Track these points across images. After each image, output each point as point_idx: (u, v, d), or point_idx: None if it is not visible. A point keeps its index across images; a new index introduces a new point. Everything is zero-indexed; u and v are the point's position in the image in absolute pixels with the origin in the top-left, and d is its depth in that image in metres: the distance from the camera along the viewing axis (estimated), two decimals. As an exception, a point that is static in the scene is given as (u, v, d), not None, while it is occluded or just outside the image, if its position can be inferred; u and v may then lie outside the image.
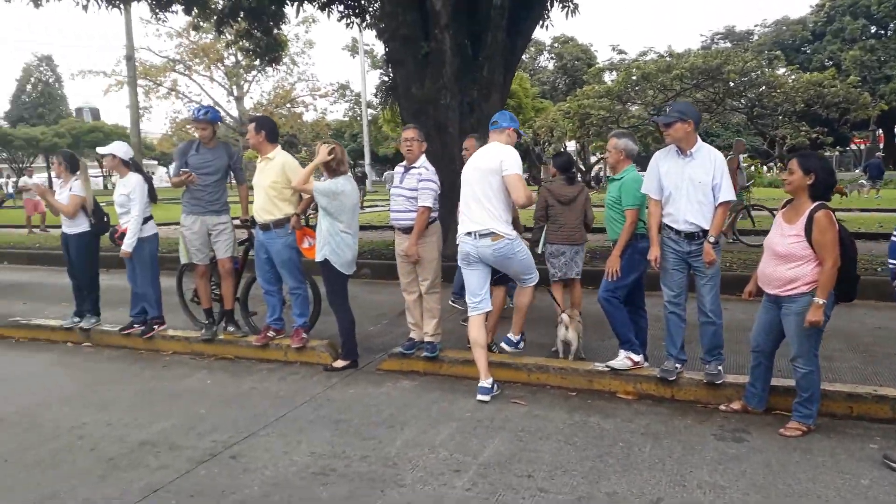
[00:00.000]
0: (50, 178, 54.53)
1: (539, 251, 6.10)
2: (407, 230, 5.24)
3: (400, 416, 4.47)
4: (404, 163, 5.44)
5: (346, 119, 42.35)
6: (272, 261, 5.72)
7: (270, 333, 5.85)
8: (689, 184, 4.46)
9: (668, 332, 4.73)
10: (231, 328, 6.16)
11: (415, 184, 5.16)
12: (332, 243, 5.27)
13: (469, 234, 4.75)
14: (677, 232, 4.54)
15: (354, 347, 5.54)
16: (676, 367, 4.67)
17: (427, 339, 5.34)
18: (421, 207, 5.12)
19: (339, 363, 5.46)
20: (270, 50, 14.51)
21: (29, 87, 60.36)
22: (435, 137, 8.63)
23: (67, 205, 6.29)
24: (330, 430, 4.28)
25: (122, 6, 12.48)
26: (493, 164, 4.67)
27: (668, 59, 22.59)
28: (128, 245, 6.00)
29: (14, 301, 8.48)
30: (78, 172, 6.44)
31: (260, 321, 6.27)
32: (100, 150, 6.35)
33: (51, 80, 61.47)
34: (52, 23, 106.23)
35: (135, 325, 6.34)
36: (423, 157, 5.31)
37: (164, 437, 4.25)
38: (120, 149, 6.16)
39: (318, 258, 5.33)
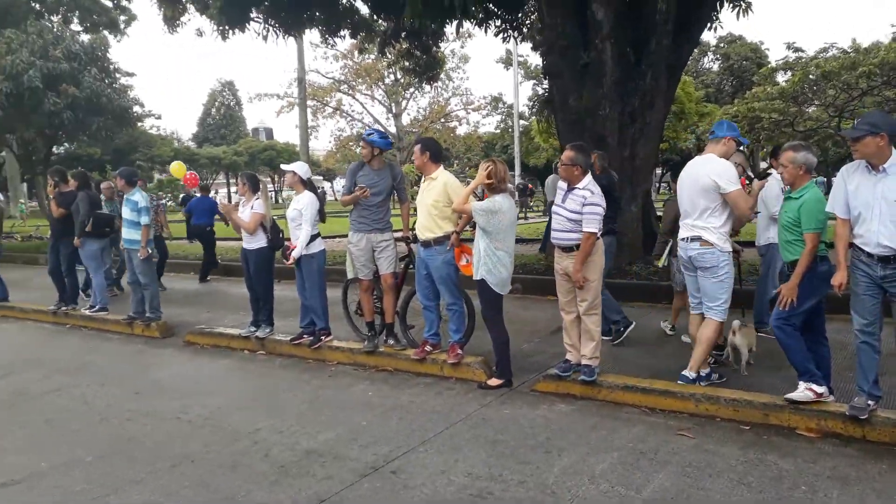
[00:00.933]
0: (229, 193, 60.14)
1: (662, 265, 6.43)
2: (567, 249, 5.13)
3: (557, 441, 4.36)
4: (560, 175, 5.33)
5: (498, 131, 42.74)
6: (431, 277, 5.86)
7: (428, 348, 5.97)
8: (882, 203, 3.98)
9: (859, 364, 4.23)
10: (391, 341, 6.36)
11: (578, 206, 5.02)
12: (488, 262, 5.28)
13: (684, 238, 4.97)
14: (869, 255, 4.06)
15: (509, 366, 5.50)
16: (869, 404, 4.16)
17: (584, 361, 5.17)
18: (586, 233, 4.98)
19: (494, 381, 5.44)
20: (429, 68, 15.04)
21: (213, 110, 67.06)
22: (592, 149, 8.45)
23: (249, 222, 6.84)
24: (486, 450, 4.26)
25: (296, 34, 13.44)
26: (706, 182, 4.74)
27: (852, 54, 20.50)
28: (295, 253, 6.44)
29: (200, 309, 9.35)
30: (258, 192, 7.00)
31: (417, 334, 6.43)
32: (283, 166, 6.90)
33: (232, 104, 67.88)
34: (235, 50, 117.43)
35: (304, 336, 6.75)
36: (588, 178, 5.15)
37: (330, 447, 4.45)
38: (301, 168, 6.66)
39: (475, 276, 5.37)
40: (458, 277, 5.87)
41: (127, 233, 7.95)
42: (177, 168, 19.47)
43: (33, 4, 23.95)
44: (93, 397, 5.77)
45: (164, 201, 13.56)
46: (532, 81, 36.42)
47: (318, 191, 6.87)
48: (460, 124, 38.58)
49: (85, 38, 19.98)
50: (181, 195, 15.52)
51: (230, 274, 12.24)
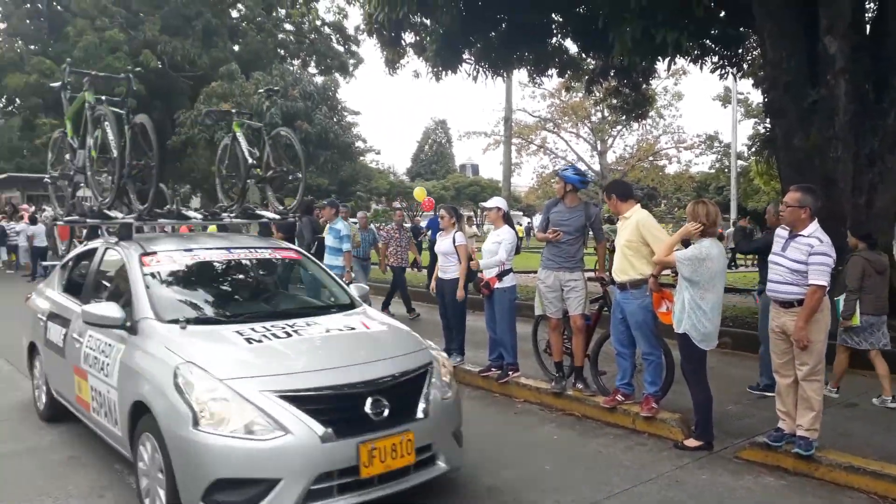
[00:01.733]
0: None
1: (856, 324, 6.05)
2: (786, 304, 4.59)
3: (763, 520, 3.86)
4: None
5: (713, 171, 40.33)
6: (627, 322, 5.57)
7: (619, 397, 5.65)
8: None
9: None
10: (579, 385, 6.13)
11: (803, 256, 4.47)
12: (692, 316, 4.88)
13: None
14: None
15: (710, 427, 5.02)
16: None
17: (800, 433, 4.55)
18: (813, 286, 4.41)
19: (692, 442, 4.98)
20: (638, 105, 14.62)
21: (426, 147, 71.14)
22: (820, 193, 7.59)
23: (463, 253, 7.11)
24: (678, 517, 3.89)
25: (504, 74, 13.81)
26: None
27: None
28: (484, 266, 6.60)
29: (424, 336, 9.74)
30: (458, 224, 7.25)
31: (609, 381, 6.12)
32: (484, 203, 7.08)
33: (443, 141, 71.54)
34: (447, 91, 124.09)
35: (492, 369, 6.75)
36: (815, 224, 4.59)
37: (510, 486, 4.35)
38: (503, 203, 6.85)
39: (677, 329, 4.98)
40: (657, 325, 5.50)
41: (329, 259, 8.63)
42: (418, 192, 21.69)
43: (279, 51, 27.41)
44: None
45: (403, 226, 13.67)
46: (753, 120, 34.04)
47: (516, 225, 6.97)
48: (670, 163, 37.01)
49: (319, 79, 22.31)
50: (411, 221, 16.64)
51: (425, 300, 12.68)
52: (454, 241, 7.14)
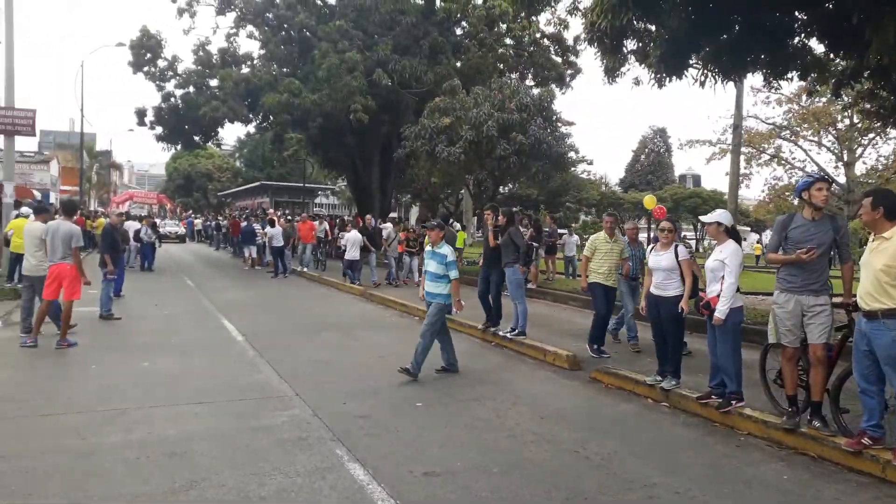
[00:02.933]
0: (648, 237, 60.50)
1: None
2: None
3: None
4: None
5: None
6: (874, 355, 4.84)
7: (866, 440, 4.91)
8: None
9: None
10: (817, 423, 5.44)
11: None
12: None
13: None
14: None
15: None
16: None
17: None
18: None
19: (963, 504, 4.19)
20: (896, 110, 12.80)
21: (643, 157, 68.69)
22: None
23: (688, 270, 6.73)
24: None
25: (736, 79, 12.86)
26: None
27: None
28: (721, 312, 5.97)
29: (607, 348, 9.48)
30: (677, 239, 6.84)
31: (851, 422, 5.37)
32: (703, 218, 6.58)
33: (661, 150, 68.58)
34: (665, 100, 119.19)
35: (712, 396, 6.26)
36: None
37: (730, 525, 3.99)
38: (724, 217, 6.27)
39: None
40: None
41: (430, 286, 7.85)
42: (649, 200, 21.59)
43: (499, 65, 28.15)
44: (504, 412, 6.29)
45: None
46: None
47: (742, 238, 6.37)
48: (934, 177, 31.83)
49: (535, 91, 22.50)
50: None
51: (642, 318, 12.18)
52: (677, 256, 6.74)
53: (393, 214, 24.42)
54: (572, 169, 36.06)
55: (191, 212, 61.27)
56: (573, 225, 41.70)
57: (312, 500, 4.24)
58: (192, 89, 27.73)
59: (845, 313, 5.60)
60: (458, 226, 25.71)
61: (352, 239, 17.29)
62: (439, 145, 19.86)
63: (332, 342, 9.84)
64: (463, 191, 33.61)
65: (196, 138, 29.94)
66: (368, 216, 20.98)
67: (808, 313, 5.42)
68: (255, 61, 29.35)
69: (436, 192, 39.19)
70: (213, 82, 27.95)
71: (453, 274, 7.74)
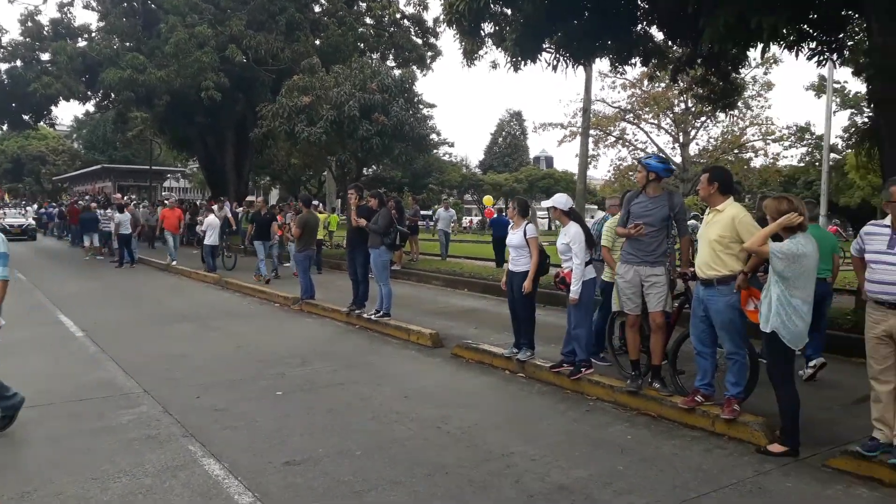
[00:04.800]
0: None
1: None
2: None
3: (857, 536, 3.59)
4: (887, 221, 4.45)
5: (802, 164, 38.31)
6: (710, 320, 5.30)
7: (699, 398, 5.39)
8: None
9: None
10: (657, 384, 5.88)
11: None
12: (782, 313, 4.60)
13: None
14: None
15: (797, 433, 4.71)
16: None
17: (900, 443, 4.22)
18: None
19: (776, 448, 4.70)
20: (726, 95, 13.98)
21: (500, 139, 70.80)
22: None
23: (535, 249, 6.92)
24: (762, 528, 3.66)
25: (585, 63, 13.48)
26: None
27: None
28: (574, 293, 6.28)
29: (468, 325, 9.72)
30: (528, 217, 7.07)
31: (687, 382, 5.87)
32: (544, 203, 6.86)
33: (517, 133, 71.02)
34: (523, 83, 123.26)
35: (564, 364, 6.59)
36: None
37: (582, 485, 4.22)
38: (559, 200, 6.53)
39: (764, 328, 4.71)
40: (743, 324, 5.21)
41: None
42: (487, 199, 22.58)
43: (359, 44, 27.77)
44: (368, 395, 6.26)
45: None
46: (849, 111, 32.12)
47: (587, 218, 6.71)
48: (756, 156, 35.35)
49: (396, 72, 22.44)
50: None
51: (497, 294, 12.59)
52: (525, 234, 6.97)
53: (251, 197, 23.40)
54: (434, 151, 36.44)
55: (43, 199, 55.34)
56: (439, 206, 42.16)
57: (163, 501, 3.99)
58: (19, 63, 25.02)
59: (682, 282, 6.08)
60: (322, 208, 25.22)
61: (211, 223, 16.41)
62: (299, 125, 19.28)
63: (185, 334, 9.32)
64: (325, 172, 32.98)
65: (25, 118, 27.13)
66: (259, 199, 19.66)
67: (646, 283, 5.82)
68: (93, 34, 26.96)
69: (297, 174, 38.15)
70: (45, 56, 25.42)
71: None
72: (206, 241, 16.31)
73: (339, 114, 18.81)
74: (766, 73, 31.28)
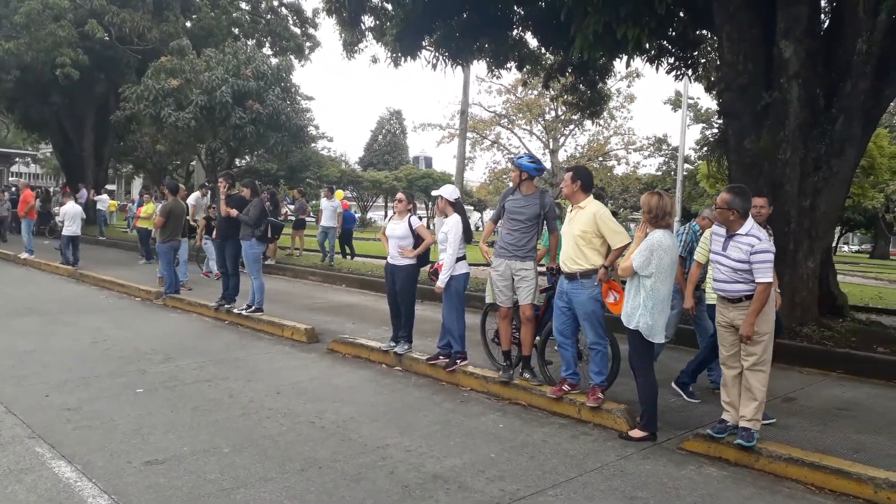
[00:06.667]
0: (386, 214, 62.65)
1: None
2: (734, 301, 4.65)
3: (704, 509, 3.89)
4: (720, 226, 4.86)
5: (659, 173, 41.24)
6: (572, 311, 5.56)
7: (566, 387, 5.64)
8: None
9: None
10: (527, 374, 6.10)
11: (744, 255, 4.54)
12: (641, 307, 4.91)
13: None
14: None
15: (655, 419, 5.05)
16: None
17: (743, 423, 4.62)
18: (761, 284, 4.49)
19: (637, 433, 5.01)
20: (593, 103, 14.75)
21: (380, 137, 70.57)
22: (750, 195, 7.77)
23: (429, 237, 6.96)
24: (622, 506, 3.88)
25: (464, 64, 13.72)
26: None
27: None
28: (441, 281, 6.38)
29: (346, 320, 9.61)
30: (412, 210, 7.13)
31: (556, 372, 6.12)
32: (434, 192, 6.93)
33: (398, 132, 71.08)
34: (404, 81, 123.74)
35: (440, 357, 6.67)
36: (750, 222, 4.66)
37: (455, 474, 4.28)
38: (447, 191, 6.64)
39: (628, 324, 4.99)
40: (604, 315, 5.51)
41: None
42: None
43: (233, 30, 26.66)
44: (238, 391, 6.02)
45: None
46: (701, 125, 34.93)
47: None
48: (619, 164, 37.66)
49: (273, 60, 21.76)
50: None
51: (375, 289, 12.56)
52: (411, 225, 6.96)
53: (110, 186, 21.84)
54: (312, 144, 35.70)
55: None
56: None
57: (2, 508, 3.62)
58: None
59: (552, 276, 6.34)
60: (104, 195, 23.97)
61: (70, 212, 15.07)
62: (166, 109, 18.25)
63: (33, 329, 8.52)
64: (194, 162, 31.36)
65: None
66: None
67: (517, 276, 6.02)
68: (-77, -4, 24.00)
69: (162, 162, 36.01)
70: None
71: None
72: (66, 232, 15.00)
73: (210, 99, 18.00)
74: (629, 87, 33.43)
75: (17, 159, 50.60)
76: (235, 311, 9.37)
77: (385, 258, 7.31)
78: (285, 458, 4.46)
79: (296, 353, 7.71)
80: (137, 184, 48.65)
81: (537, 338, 6.28)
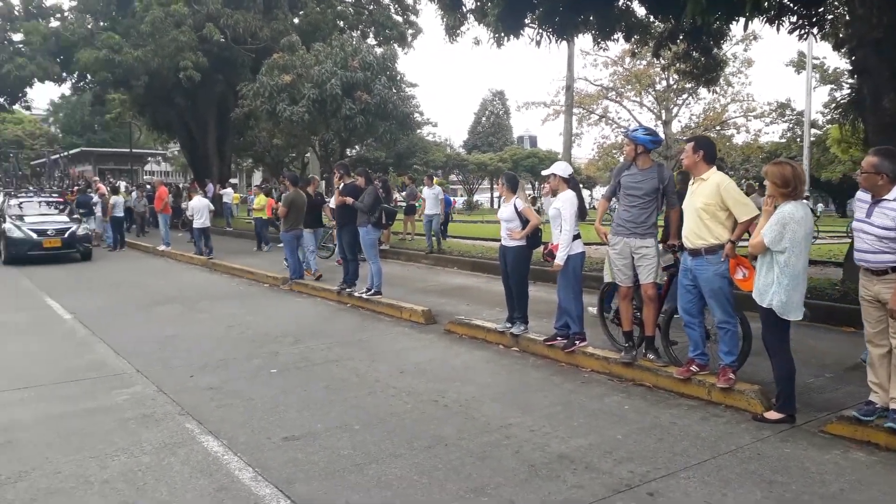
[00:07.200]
0: (492, 197, 62.72)
1: None
2: (879, 273, 4.29)
3: (853, 495, 3.65)
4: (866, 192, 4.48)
5: (783, 140, 38.66)
6: (698, 289, 5.33)
7: (693, 368, 5.43)
8: None
9: None
10: (651, 355, 5.94)
11: (890, 222, 4.17)
12: (775, 284, 4.63)
13: None
14: None
15: (793, 400, 4.77)
16: None
17: (894, 406, 4.28)
18: None
19: (773, 415, 4.76)
20: (708, 70, 14.02)
21: (483, 119, 70.43)
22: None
23: (534, 219, 6.93)
24: (762, 490, 3.71)
25: (568, 39, 13.41)
26: None
27: None
28: (560, 258, 6.30)
29: (460, 301, 9.73)
30: (517, 192, 7.07)
31: (680, 352, 5.92)
32: (544, 172, 6.86)
33: (501, 113, 70.65)
34: (505, 62, 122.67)
35: (558, 338, 6.61)
36: None
37: (582, 454, 4.25)
38: (559, 168, 6.56)
39: (761, 302, 4.72)
40: (732, 293, 5.25)
41: None
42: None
43: (338, 22, 27.41)
44: (364, 371, 6.26)
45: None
46: (828, 86, 32.38)
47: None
48: (738, 132, 35.60)
49: (378, 50, 22.21)
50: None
51: (487, 271, 12.63)
52: (516, 207, 6.97)
53: (233, 179, 23.18)
54: (418, 131, 36.21)
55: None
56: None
57: (163, 478, 3.96)
58: (-9, 44, 24.40)
59: (672, 254, 6.11)
60: (229, 189, 25.08)
61: (198, 206, 16.19)
62: (280, 104, 19.08)
63: (174, 316, 9.23)
64: (308, 153, 32.67)
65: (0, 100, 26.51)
66: (316, 177, 17.74)
67: (636, 255, 5.84)
68: (66, 14, 26.29)
69: (279, 156, 37.76)
70: (17, 37, 24.76)
71: None
72: (196, 225, 16.12)
73: (321, 92, 18.63)
74: (745, 50, 31.40)
75: (149, 159, 54.72)
76: (356, 294, 9.72)
77: (487, 240, 7.33)
78: (412, 435, 4.59)
79: (414, 333, 7.90)
80: (257, 177, 51.36)
81: (661, 316, 6.09)
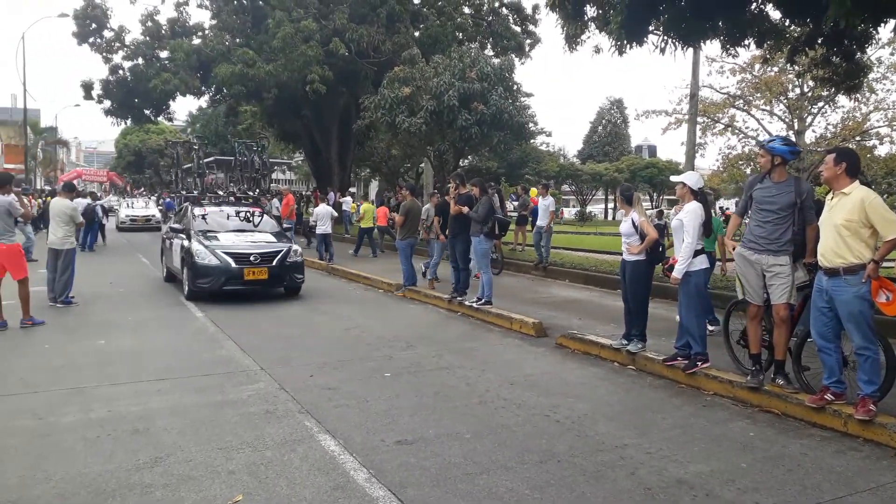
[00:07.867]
0: (606, 209, 61.31)
1: None
2: None
3: None
4: None
5: (934, 153, 35.18)
6: (833, 312, 4.93)
7: (828, 396, 5.03)
8: None
9: None
10: (780, 380, 5.56)
11: None
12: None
13: None
14: None
15: (946, 438, 4.32)
16: None
17: None
18: None
19: (922, 453, 4.33)
20: (849, 77, 13.06)
21: (600, 128, 69.07)
22: None
23: (651, 233, 6.71)
24: (908, 537, 3.38)
25: (695, 45, 12.91)
26: None
27: None
28: (678, 272, 6.06)
29: (571, 315, 9.55)
30: (634, 205, 6.87)
31: (813, 379, 5.50)
32: (673, 178, 6.63)
33: (618, 122, 69.01)
34: (623, 71, 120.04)
35: (678, 358, 6.34)
36: None
37: (702, 481, 4.04)
38: (691, 178, 6.32)
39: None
40: (872, 317, 4.81)
41: None
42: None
43: (458, 34, 27.85)
44: (474, 380, 6.27)
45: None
46: None
47: (710, 199, 6.39)
48: (881, 143, 32.75)
49: (495, 60, 22.32)
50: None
51: (600, 284, 12.33)
52: (633, 222, 6.79)
53: (352, 189, 24.05)
54: (532, 141, 36.02)
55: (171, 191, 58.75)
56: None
57: (283, 473, 4.14)
58: (141, 61, 26.73)
59: (807, 273, 5.70)
60: (348, 197, 25.60)
61: (322, 213, 16.96)
62: (400, 116, 19.58)
63: (295, 317, 9.68)
64: (423, 164, 33.36)
65: (146, 112, 28.95)
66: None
67: (769, 273, 5.50)
68: (206, 31, 28.41)
69: (396, 166, 38.79)
70: (164, 54, 26.98)
71: None
72: (318, 231, 16.85)
73: (438, 104, 18.93)
74: (892, 54, 28.88)
75: (276, 167, 57.79)
76: (467, 303, 9.79)
77: (601, 252, 7.13)
78: (523, 448, 4.55)
79: (525, 346, 7.84)
80: (374, 186, 53.07)
81: (792, 339, 5.69)
